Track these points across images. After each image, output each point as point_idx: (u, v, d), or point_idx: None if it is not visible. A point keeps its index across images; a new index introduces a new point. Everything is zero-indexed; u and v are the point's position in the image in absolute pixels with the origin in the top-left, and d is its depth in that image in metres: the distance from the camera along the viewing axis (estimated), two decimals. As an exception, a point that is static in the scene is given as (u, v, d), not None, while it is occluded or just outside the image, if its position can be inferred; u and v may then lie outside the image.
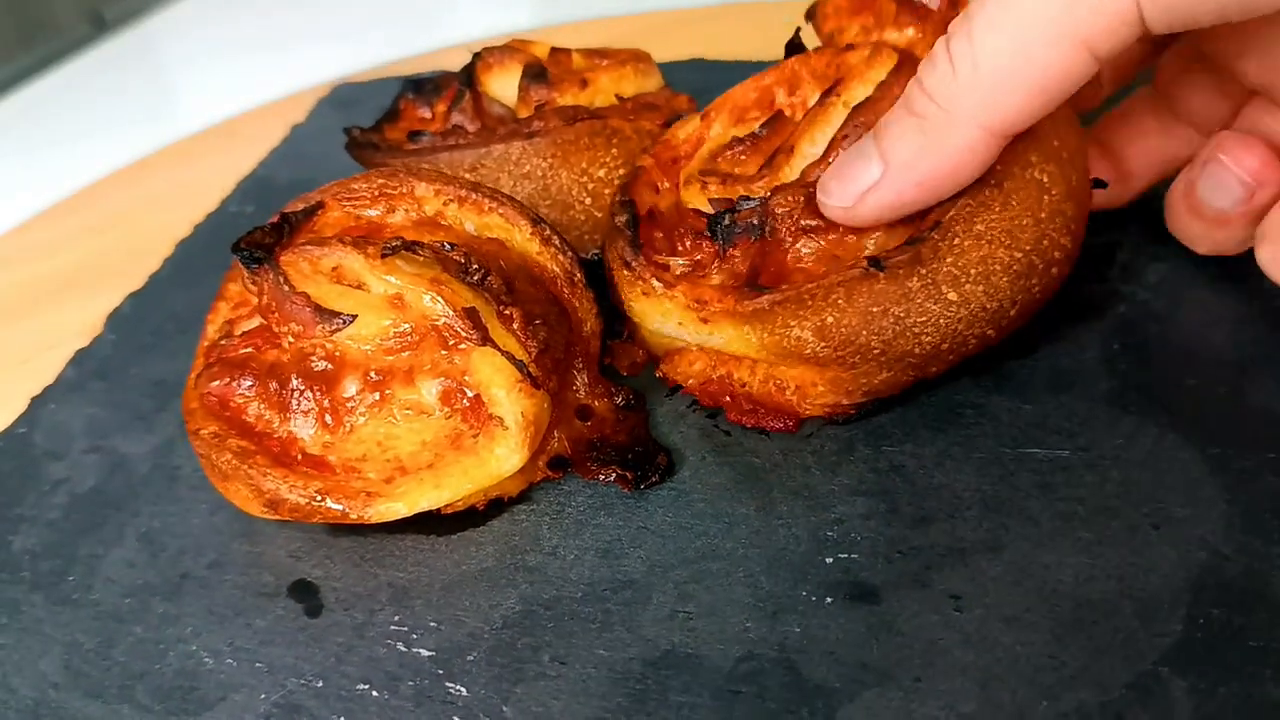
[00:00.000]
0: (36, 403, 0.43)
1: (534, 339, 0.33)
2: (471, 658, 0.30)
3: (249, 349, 0.34)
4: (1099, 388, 0.34)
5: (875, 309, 0.30)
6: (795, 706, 0.27)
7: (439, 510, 0.32)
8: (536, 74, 0.43)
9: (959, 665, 0.27)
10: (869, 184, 0.30)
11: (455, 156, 0.40)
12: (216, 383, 0.33)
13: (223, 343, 0.35)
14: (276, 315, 0.33)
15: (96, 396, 0.43)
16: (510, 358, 0.32)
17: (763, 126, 0.36)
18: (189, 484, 0.37)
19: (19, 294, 0.54)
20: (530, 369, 0.32)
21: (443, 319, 0.32)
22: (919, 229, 0.31)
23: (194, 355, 0.36)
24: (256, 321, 0.35)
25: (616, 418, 0.35)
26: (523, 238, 0.36)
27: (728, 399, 0.34)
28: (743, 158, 0.36)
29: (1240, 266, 0.36)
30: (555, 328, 0.34)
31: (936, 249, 0.30)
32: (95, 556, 0.35)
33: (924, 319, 0.30)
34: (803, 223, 0.32)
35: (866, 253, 0.32)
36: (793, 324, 0.31)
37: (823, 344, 0.31)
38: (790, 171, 0.34)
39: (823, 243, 0.32)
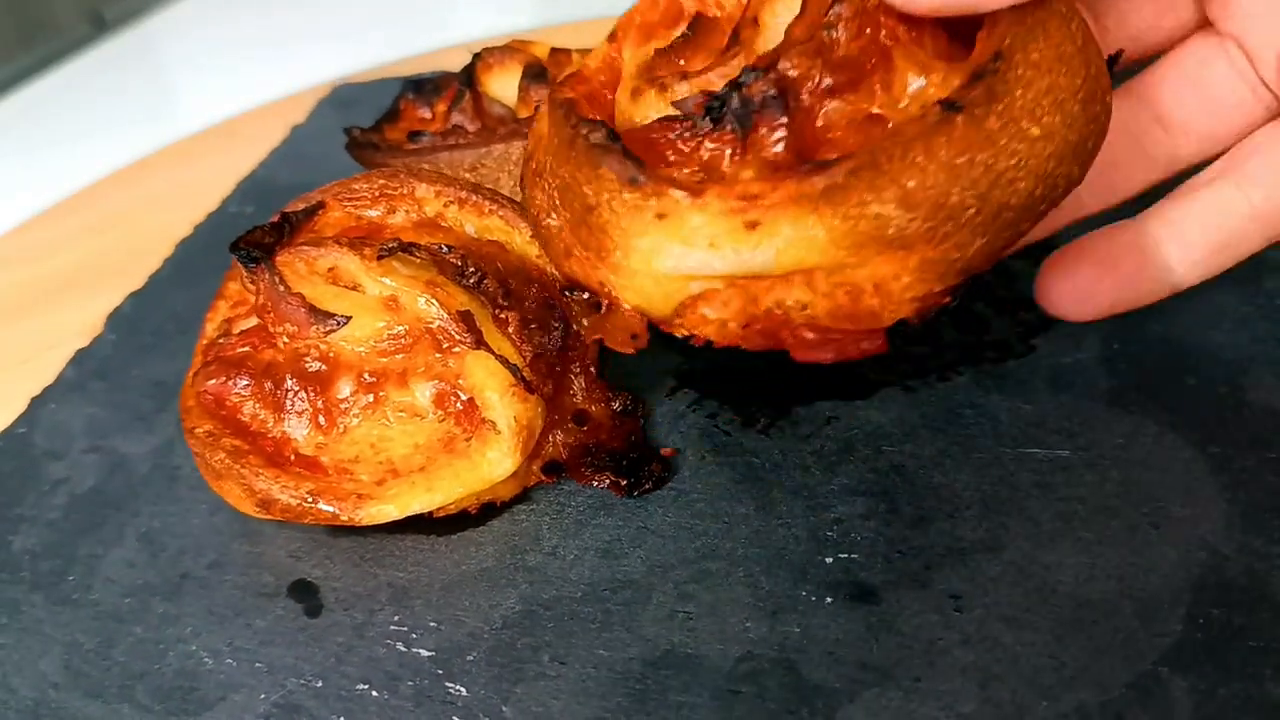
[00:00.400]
0: (36, 403, 0.43)
1: (529, 343, 0.33)
2: (471, 658, 0.30)
3: (246, 348, 0.34)
4: (1099, 387, 0.34)
5: (961, 159, 0.25)
6: (795, 706, 0.27)
7: (431, 514, 0.32)
8: (537, 74, 0.43)
9: (959, 665, 0.27)
10: None
11: (455, 156, 0.40)
12: (213, 381, 0.33)
13: (220, 341, 0.35)
14: (272, 315, 0.33)
15: (96, 396, 0.43)
16: (504, 362, 0.32)
17: (690, 27, 0.31)
18: (189, 484, 0.37)
19: (19, 294, 0.54)
20: (524, 373, 0.32)
21: (437, 322, 0.32)
22: (978, 64, 0.26)
23: (193, 355, 0.36)
24: (254, 321, 0.35)
25: (613, 423, 0.35)
26: (523, 240, 0.36)
27: (787, 334, 0.28)
28: (688, 55, 0.31)
29: (1241, 266, 0.36)
30: (552, 332, 0.34)
31: (1006, 81, 0.25)
32: (95, 556, 0.35)
33: (1014, 161, 0.26)
34: (825, 83, 0.27)
35: (902, 105, 0.27)
36: (870, 199, 0.25)
37: (909, 216, 0.25)
38: (765, 42, 0.29)
39: (852, 102, 0.27)
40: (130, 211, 0.60)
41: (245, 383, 0.33)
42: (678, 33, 0.32)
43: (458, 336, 0.32)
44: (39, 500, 0.38)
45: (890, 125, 0.27)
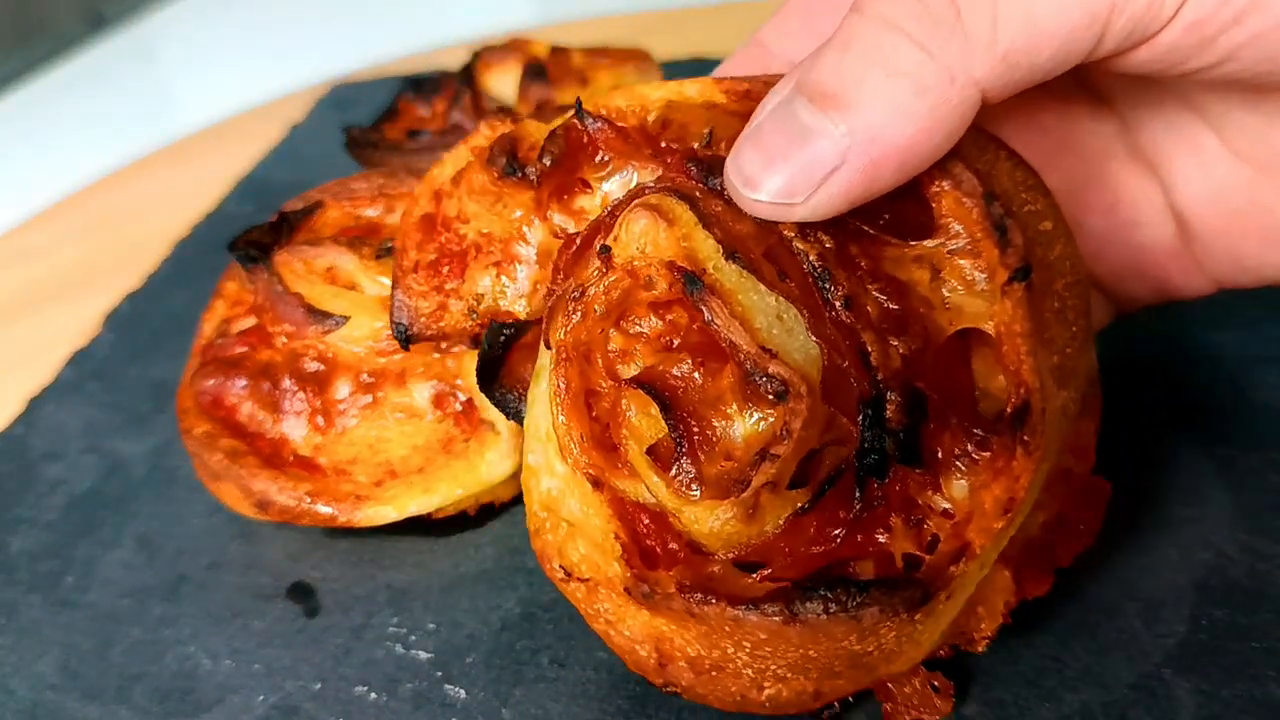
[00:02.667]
0: (34, 404, 0.43)
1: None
2: (470, 660, 0.29)
3: (244, 348, 0.34)
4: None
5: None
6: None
7: (429, 515, 0.32)
8: (536, 72, 0.43)
9: (961, 666, 0.27)
10: (830, 164, 0.22)
11: (454, 155, 0.40)
12: (211, 381, 0.33)
13: (218, 341, 0.35)
14: (270, 315, 0.33)
15: (94, 397, 0.43)
16: (506, 360, 0.31)
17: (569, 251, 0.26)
18: (187, 485, 0.37)
19: (17, 294, 0.54)
20: (527, 371, 0.32)
21: (437, 321, 0.32)
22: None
23: (191, 355, 0.36)
24: (252, 320, 0.35)
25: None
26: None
27: (1046, 571, 0.26)
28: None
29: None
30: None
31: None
32: (93, 558, 0.35)
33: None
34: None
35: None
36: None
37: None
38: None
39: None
40: (128, 211, 0.60)
41: (243, 383, 0.33)
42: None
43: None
44: (37, 501, 0.38)
45: None
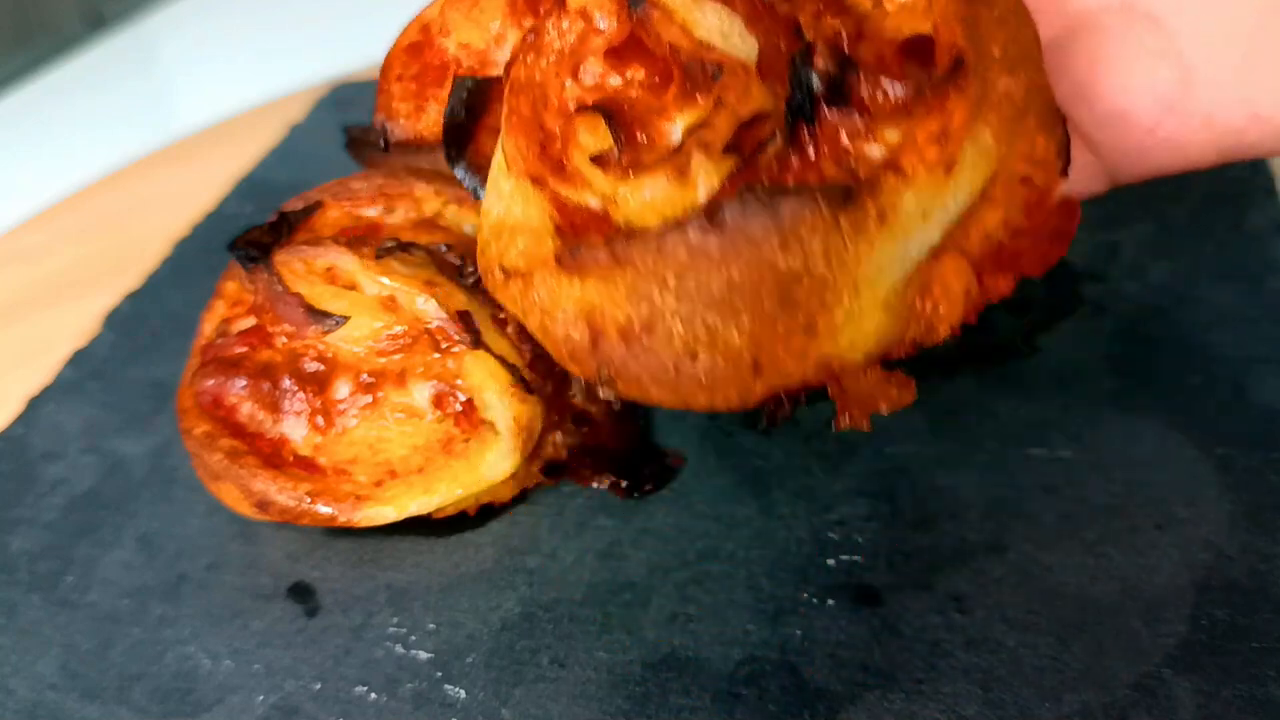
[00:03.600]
0: (33, 404, 0.43)
1: (528, 343, 0.32)
2: (470, 660, 0.29)
3: (244, 348, 0.34)
4: (1102, 387, 0.34)
5: None
6: (797, 710, 0.26)
7: (429, 515, 0.32)
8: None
9: (962, 667, 0.27)
10: None
11: (454, 155, 0.40)
12: (210, 381, 0.33)
13: (218, 341, 0.35)
14: (270, 315, 0.33)
15: (94, 397, 0.43)
16: (504, 362, 0.31)
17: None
18: (187, 485, 0.37)
19: (16, 294, 0.54)
20: (524, 374, 0.32)
21: (436, 321, 0.32)
22: None
23: (191, 355, 0.36)
24: (252, 320, 0.35)
25: (613, 424, 0.35)
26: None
27: (1007, 272, 0.25)
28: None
29: (1244, 265, 0.36)
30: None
31: None
32: (93, 558, 0.35)
33: None
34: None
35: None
36: (998, 79, 0.23)
37: (1013, 78, 0.24)
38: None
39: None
40: (127, 211, 0.60)
41: (243, 383, 0.33)
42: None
43: (456, 336, 0.32)
44: (36, 501, 0.38)
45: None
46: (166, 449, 0.39)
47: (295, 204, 0.36)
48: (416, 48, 0.31)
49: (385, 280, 0.32)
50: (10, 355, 0.48)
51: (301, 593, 0.33)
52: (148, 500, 0.37)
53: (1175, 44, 0.28)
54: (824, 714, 0.26)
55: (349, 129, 0.45)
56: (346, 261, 0.33)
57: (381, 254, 0.32)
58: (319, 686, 0.29)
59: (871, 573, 0.30)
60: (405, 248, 0.32)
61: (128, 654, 0.32)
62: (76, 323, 0.48)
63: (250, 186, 0.58)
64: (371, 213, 0.36)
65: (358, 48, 0.79)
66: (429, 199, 0.36)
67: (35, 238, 0.59)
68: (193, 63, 0.89)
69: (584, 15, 0.26)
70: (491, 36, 0.30)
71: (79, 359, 0.46)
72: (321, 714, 0.29)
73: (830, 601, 0.29)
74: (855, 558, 0.30)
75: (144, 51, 0.92)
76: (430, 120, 0.30)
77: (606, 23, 0.25)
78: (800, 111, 0.23)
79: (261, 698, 0.29)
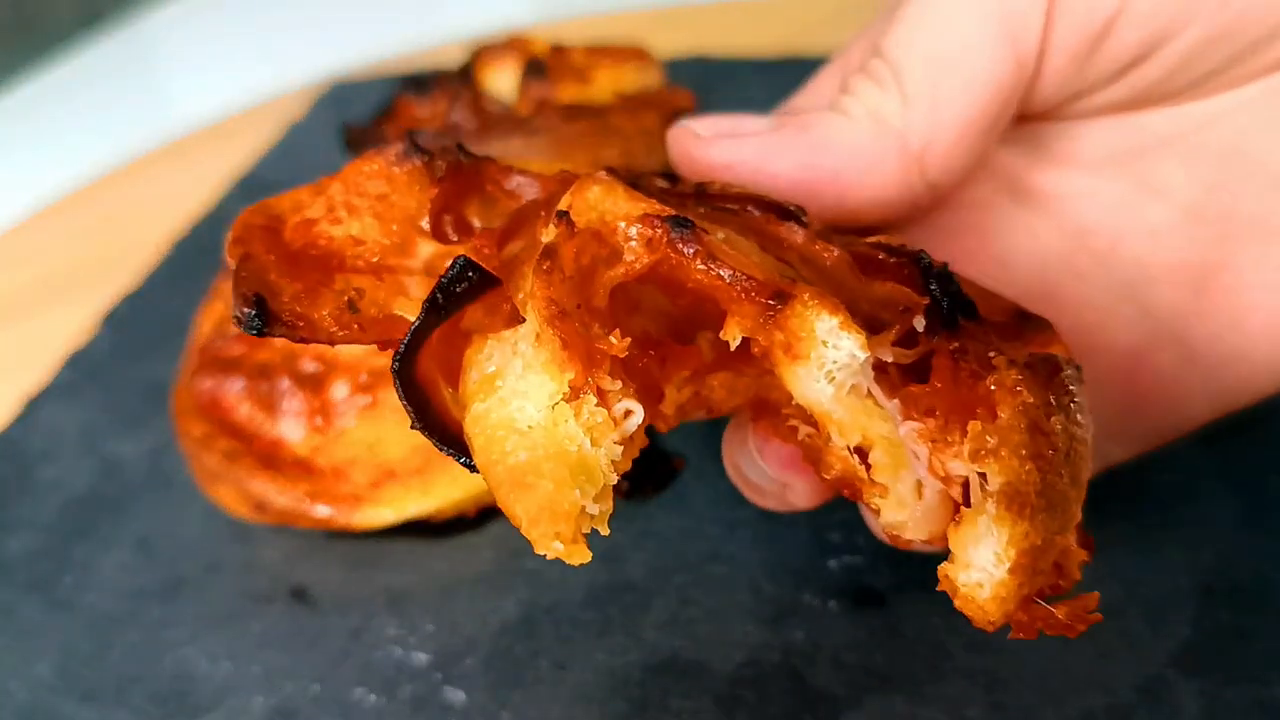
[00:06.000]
0: (31, 405, 0.43)
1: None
2: (469, 663, 0.29)
3: (242, 349, 0.34)
4: (1104, 387, 0.34)
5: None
6: (798, 712, 0.26)
7: (428, 517, 0.32)
8: (536, 69, 0.43)
9: (964, 669, 0.27)
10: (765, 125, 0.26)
11: (453, 154, 0.40)
12: (208, 381, 0.33)
13: (216, 342, 0.34)
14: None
15: (91, 399, 0.43)
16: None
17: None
18: (184, 487, 0.37)
19: (13, 295, 0.54)
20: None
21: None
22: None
23: (189, 355, 0.36)
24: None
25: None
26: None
27: None
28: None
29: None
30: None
31: None
32: (90, 560, 0.35)
33: None
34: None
35: None
36: None
37: None
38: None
39: None
40: (125, 211, 0.59)
41: (240, 383, 0.33)
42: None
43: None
44: (33, 503, 0.38)
45: None
46: (164, 450, 0.39)
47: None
48: (272, 231, 0.23)
49: (384, 280, 0.32)
50: (8, 356, 0.48)
51: (299, 595, 0.32)
52: (145, 502, 0.37)
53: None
54: (826, 716, 0.26)
55: (348, 127, 0.45)
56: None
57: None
58: (317, 689, 0.29)
59: (874, 575, 0.29)
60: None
61: (126, 656, 0.31)
62: (74, 323, 0.48)
63: (249, 185, 0.58)
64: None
65: (356, 46, 0.79)
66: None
67: (33, 238, 0.59)
68: (191, 62, 0.89)
69: (596, 236, 0.21)
70: (395, 234, 0.23)
71: (76, 360, 0.46)
72: (320, 716, 0.28)
73: (832, 603, 0.29)
74: (857, 559, 0.30)
75: (142, 49, 0.92)
76: (329, 305, 0.22)
77: (632, 248, 0.21)
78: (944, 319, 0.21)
79: (260, 700, 0.29)
